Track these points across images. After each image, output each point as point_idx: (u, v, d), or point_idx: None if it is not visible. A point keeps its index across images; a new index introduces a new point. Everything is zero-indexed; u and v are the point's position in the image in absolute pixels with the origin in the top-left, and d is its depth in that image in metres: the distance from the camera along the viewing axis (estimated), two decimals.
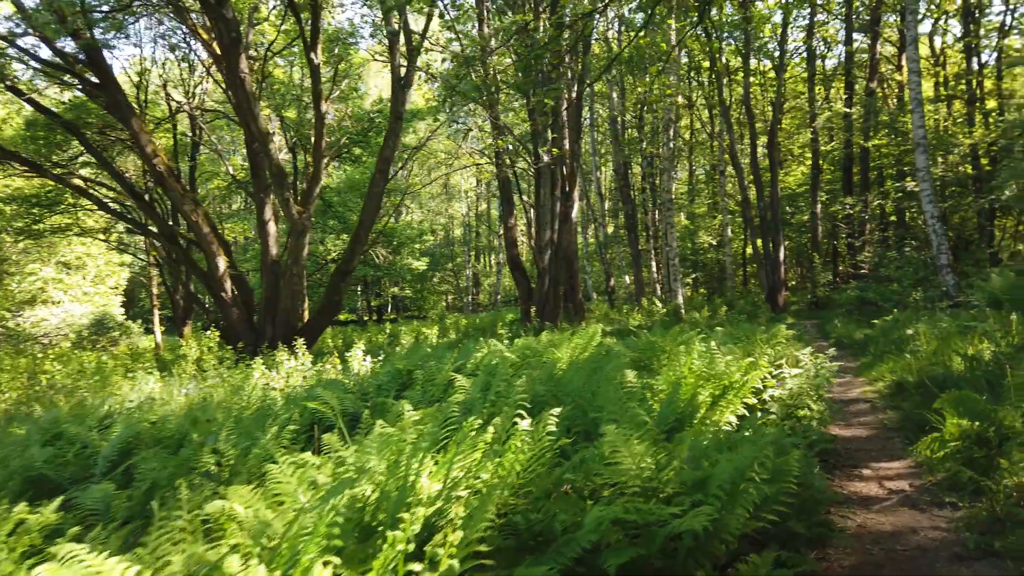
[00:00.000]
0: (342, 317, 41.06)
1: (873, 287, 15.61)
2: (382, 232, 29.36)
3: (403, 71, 14.88)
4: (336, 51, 21.44)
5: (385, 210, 33.99)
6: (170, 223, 18.09)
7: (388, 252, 29.59)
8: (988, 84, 24.55)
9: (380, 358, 9.46)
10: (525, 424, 3.19)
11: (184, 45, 20.85)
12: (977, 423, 4.31)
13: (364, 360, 9.17)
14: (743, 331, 7.78)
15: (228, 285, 14.20)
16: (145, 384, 8.72)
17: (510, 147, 20.90)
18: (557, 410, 3.24)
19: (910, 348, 8.12)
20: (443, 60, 15.48)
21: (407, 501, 2.59)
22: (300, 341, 11.29)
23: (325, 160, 22.79)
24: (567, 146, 18.31)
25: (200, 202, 15.04)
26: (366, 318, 39.88)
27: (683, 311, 20.89)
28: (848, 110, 21.52)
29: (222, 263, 14.00)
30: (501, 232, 23.50)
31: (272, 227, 14.70)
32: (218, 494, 3.06)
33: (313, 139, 14.27)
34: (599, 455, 3.28)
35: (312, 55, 13.24)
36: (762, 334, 7.44)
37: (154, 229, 14.75)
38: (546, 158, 16.02)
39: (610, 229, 34.47)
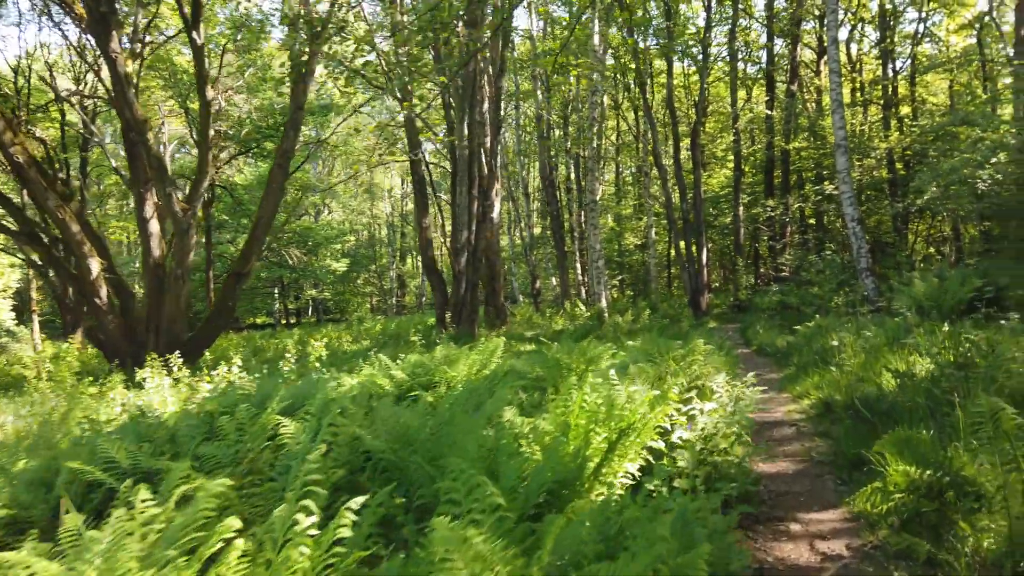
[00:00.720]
0: (259, 321, 38.94)
1: (794, 291, 15.20)
2: (297, 232, 27.77)
3: (304, 58, 13.56)
4: (240, 38, 19.85)
5: (303, 208, 32.33)
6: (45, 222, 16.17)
7: (303, 253, 27.93)
8: (902, 90, 24.90)
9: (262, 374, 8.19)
10: (311, 522, 2.12)
11: (67, 24, 18.87)
12: (927, 471, 3.48)
13: (240, 377, 7.90)
14: (659, 346, 6.91)
15: (104, 291, 12.59)
16: None
17: (429, 143, 19.68)
18: (360, 499, 2.19)
19: (836, 360, 7.44)
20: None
21: None
22: (175, 355, 9.88)
23: (224, 153, 21.10)
24: (487, 143, 17.33)
25: (70, 197, 13.28)
26: (284, 322, 37.94)
27: (606, 315, 20.20)
28: (769, 112, 21.29)
29: (95, 265, 12.37)
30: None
31: (155, 225, 13.13)
32: None
33: (200, 128, 12.79)
34: (427, 559, 2.25)
35: (194, 35, 11.80)
36: (678, 351, 6.57)
37: (12, 227, 12.94)
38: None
39: (537, 231, 33.69)
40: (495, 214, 21.45)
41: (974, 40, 24.55)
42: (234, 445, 3.38)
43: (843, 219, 14.79)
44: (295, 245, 27.02)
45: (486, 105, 16.85)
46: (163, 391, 7.57)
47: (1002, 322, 7.55)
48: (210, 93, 12.56)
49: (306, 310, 41.12)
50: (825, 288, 13.68)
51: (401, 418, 3.41)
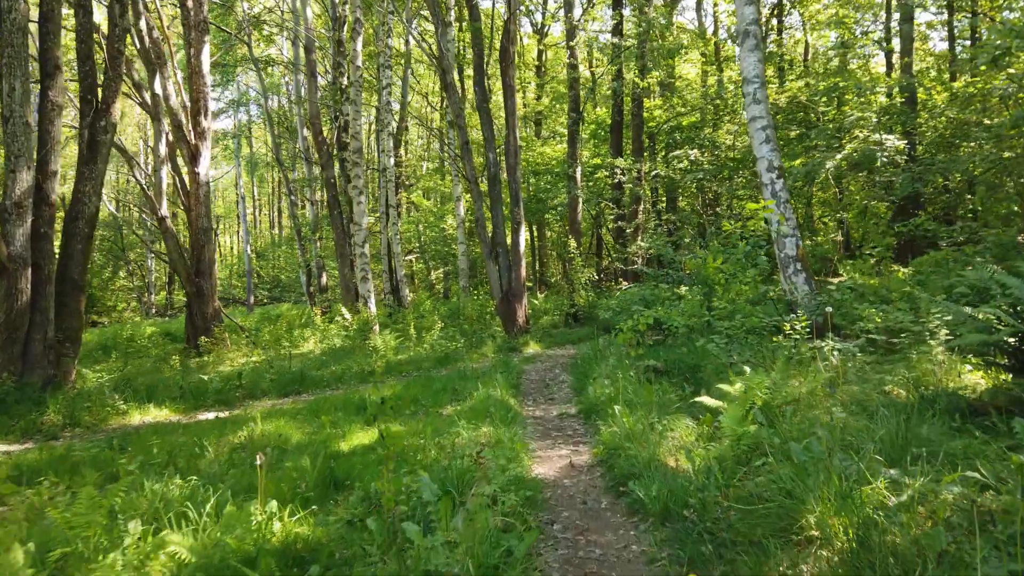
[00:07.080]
0: None
1: (664, 301, 7.94)
2: None
3: None
4: None
5: None
6: None
7: None
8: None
9: None
10: None
11: None
12: None
13: None
14: None
15: None
16: None
17: None
18: None
19: None
20: None
21: None
22: None
23: None
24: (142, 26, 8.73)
25: None
26: None
27: (376, 329, 12.30)
28: (617, 40, 14.12)
29: None
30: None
31: None
32: None
33: None
34: None
35: None
36: None
37: None
38: None
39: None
40: (202, 168, 12.79)
41: None
42: None
43: (756, 162, 7.65)
44: None
45: None
46: None
47: None
48: None
49: None
50: (738, 297, 6.39)
51: None
